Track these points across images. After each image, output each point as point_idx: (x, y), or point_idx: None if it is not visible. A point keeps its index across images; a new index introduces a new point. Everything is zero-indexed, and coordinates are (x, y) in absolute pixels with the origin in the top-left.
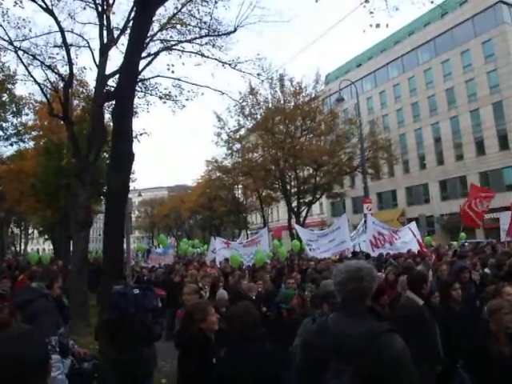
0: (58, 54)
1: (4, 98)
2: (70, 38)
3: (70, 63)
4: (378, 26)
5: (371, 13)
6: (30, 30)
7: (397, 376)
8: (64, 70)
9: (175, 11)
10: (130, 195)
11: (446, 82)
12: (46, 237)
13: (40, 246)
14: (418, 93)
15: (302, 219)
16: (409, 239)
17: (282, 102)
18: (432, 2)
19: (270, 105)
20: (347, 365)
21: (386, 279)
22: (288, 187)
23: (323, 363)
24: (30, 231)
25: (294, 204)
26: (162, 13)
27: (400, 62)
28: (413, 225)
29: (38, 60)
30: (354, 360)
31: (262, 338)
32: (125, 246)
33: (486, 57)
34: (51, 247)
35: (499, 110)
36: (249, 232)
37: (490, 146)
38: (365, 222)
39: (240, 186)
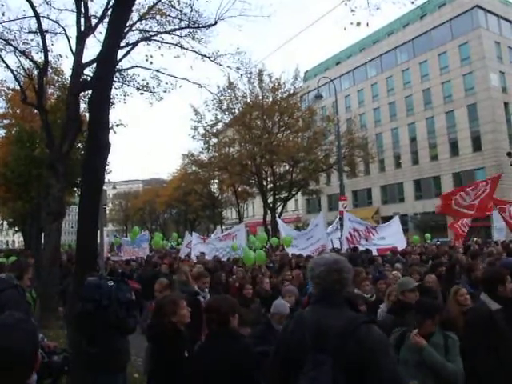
0: (32, 40)
1: None
2: (45, 24)
3: (45, 50)
4: (358, 24)
5: (352, 11)
6: (3, 14)
7: (376, 365)
8: (39, 56)
9: (155, 1)
10: (104, 187)
11: (423, 83)
12: (17, 228)
13: (9, 238)
14: (395, 92)
15: (277, 215)
16: (387, 235)
17: (260, 97)
18: (412, 3)
19: (248, 100)
20: (328, 356)
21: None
22: (264, 183)
23: (301, 357)
24: None
25: (270, 200)
26: (141, 2)
27: (379, 61)
28: (396, 220)
29: (12, 45)
30: (335, 351)
31: (234, 334)
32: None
33: (462, 59)
34: (21, 239)
35: (473, 113)
36: (224, 227)
37: (464, 147)
38: (340, 219)
39: (216, 181)
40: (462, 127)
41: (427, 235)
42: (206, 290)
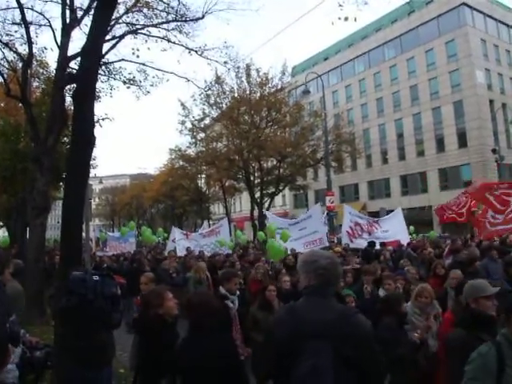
0: (16, 31)
1: None
2: (29, 15)
3: (30, 42)
4: (346, 19)
5: (340, 5)
6: None
7: (369, 347)
8: (23, 49)
9: None
10: (90, 182)
11: (411, 79)
12: (1, 223)
13: None
14: (382, 88)
15: (264, 210)
16: (390, 227)
17: (247, 92)
18: None
19: (236, 94)
20: (326, 343)
21: (434, 274)
22: (251, 178)
23: (296, 347)
24: None
25: (257, 195)
26: None
27: (366, 57)
28: (398, 212)
29: None
30: (333, 338)
31: (219, 328)
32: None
33: (448, 56)
34: (6, 234)
35: (459, 109)
36: (211, 222)
37: (450, 143)
38: (327, 213)
39: (203, 176)
40: (448, 123)
41: (411, 228)
42: (238, 293)
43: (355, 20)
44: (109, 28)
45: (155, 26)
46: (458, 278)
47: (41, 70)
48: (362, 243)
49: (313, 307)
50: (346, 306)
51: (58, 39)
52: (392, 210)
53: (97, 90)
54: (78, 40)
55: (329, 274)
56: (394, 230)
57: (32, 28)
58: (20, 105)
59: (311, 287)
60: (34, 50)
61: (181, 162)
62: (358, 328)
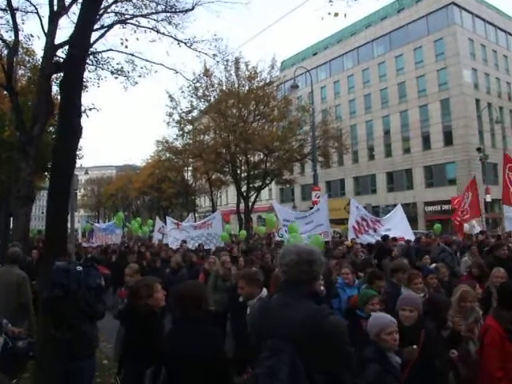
0: (1, 17)
1: None
2: (16, 1)
3: (16, 29)
4: (336, 14)
5: (330, 1)
6: None
7: (336, 350)
8: (8, 35)
9: None
10: (76, 172)
11: (399, 77)
12: None
13: None
14: (371, 85)
15: (250, 204)
16: (392, 226)
17: (236, 85)
18: None
19: (224, 87)
20: (287, 343)
21: (470, 273)
22: (238, 171)
23: (261, 343)
24: None
25: (244, 188)
26: None
27: (355, 53)
28: (399, 209)
29: None
30: (295, 339)
31: (205, 320)
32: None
33: (436, 55)
34: None
35: (446, 107)
36: (197, 215)
37: (436, 141)
38: (310, 208)
39: (190, 168)
40: (434, 121)
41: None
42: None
43: (345, 16)
44: (97, 17)
45: (144, 16)
46: (503, 277)
47: (27, 58)
48: (367, 239)
49: (281, 306)
50: (317, 307)
51: (45, 27)
52: (377, 206)
53: (84, 80)
54: (65, 28)
55: (292, 271)
56: (397, 227)
57: (18, 14)
58: (5, 93)
59: (281, 284)
60: (20, 37)
61: (167, 154)
62: (325, 329)
